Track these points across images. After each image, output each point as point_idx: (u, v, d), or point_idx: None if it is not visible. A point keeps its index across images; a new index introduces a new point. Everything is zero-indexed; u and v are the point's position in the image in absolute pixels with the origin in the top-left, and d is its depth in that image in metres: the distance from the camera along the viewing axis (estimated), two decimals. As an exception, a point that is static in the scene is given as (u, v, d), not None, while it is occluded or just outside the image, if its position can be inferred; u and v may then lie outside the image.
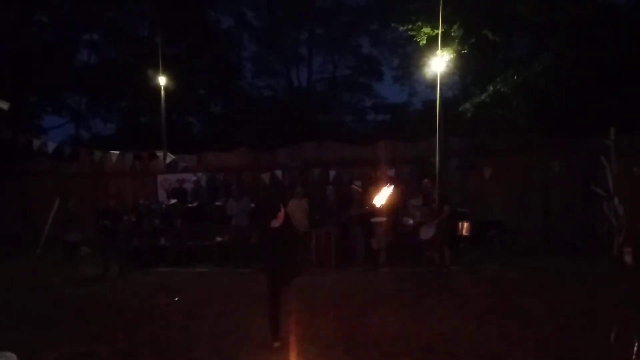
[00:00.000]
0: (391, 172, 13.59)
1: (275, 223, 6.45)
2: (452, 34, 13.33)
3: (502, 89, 13.11)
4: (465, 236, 11.61)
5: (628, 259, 10.82)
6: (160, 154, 14.37)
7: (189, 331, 7.30)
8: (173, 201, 13.94)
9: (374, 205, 9.41)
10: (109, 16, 24.92)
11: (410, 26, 13.85)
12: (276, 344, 6.38)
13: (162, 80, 15.29)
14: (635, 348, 4.22)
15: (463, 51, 13.57)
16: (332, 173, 13.93)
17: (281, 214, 6.47)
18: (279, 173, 14.26)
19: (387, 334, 6.91)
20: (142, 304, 9.09)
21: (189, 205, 13.78)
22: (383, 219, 11.84)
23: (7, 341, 6.39)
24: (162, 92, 15.24)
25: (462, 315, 7.71)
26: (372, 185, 13.12)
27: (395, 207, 12.10)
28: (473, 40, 13.50)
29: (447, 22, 12.84)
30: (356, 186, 12.40)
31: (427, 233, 11.17)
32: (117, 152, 14.00)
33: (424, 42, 13.76)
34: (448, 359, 5.95)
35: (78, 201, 12.87)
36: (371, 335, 6.89)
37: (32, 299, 9.69)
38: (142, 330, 7.41)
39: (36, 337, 7.16)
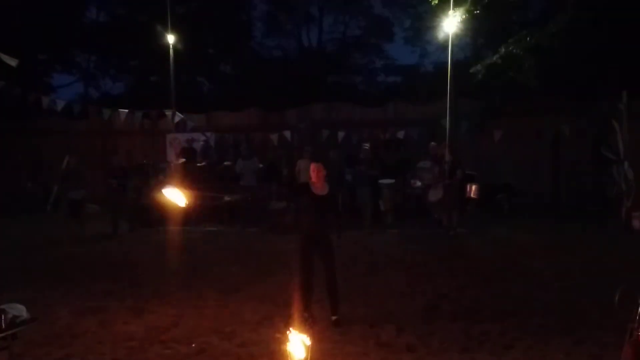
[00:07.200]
0: (400, 134, 13.53)
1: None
2: (465, -7, 13.09)
3: (514, 51, 12.90)
4: (473, 199, 11.55)
5: (636, 223, 10.81)
6: (169, 113, 14.33)
7: (197, 288, 7.40)
8: (181, 160, 13.94)
9: None
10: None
11: (422, -15, 13.63)
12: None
13: (171, 39, 15.14)
14: (639, 309, 4.23)
15: (476, 12, 13.30)
16: (341, 134, 13.85)
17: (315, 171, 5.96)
18: (287, 134, 14.21)
19: (392, 293, 6.98)
20: (151, 261, 9.24)
21: (198, 164, 13.78)
22: (391, 180, 11.84)
23: (18, 295, 6.50)
24: (171, 51, 15.11)
25: (468, 276, 7.78)
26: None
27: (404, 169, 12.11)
28: (486, 1, 13.25)
29: (461, -19, 12.60)
30: (365, 147, 12.38)
31: (435, 195, 11.16)
32: (126, 110, 13.97)
33: (436, 1, 13.51)
34: (453, 319, 6.01)
35: (79, 158, 12.72)
36: (376, 294, 6.97)
37: (42, 255, 9.84)
38: (150, 287, 7.53)
39: (47, 292, 7.30)
